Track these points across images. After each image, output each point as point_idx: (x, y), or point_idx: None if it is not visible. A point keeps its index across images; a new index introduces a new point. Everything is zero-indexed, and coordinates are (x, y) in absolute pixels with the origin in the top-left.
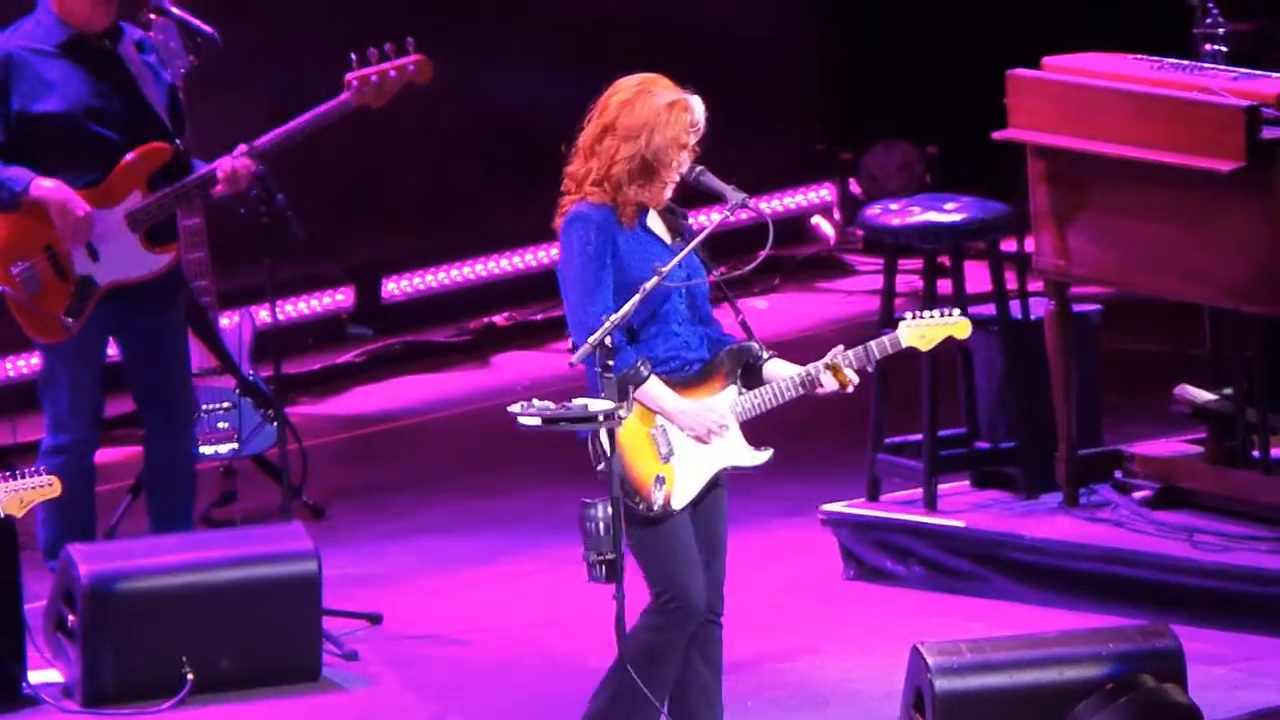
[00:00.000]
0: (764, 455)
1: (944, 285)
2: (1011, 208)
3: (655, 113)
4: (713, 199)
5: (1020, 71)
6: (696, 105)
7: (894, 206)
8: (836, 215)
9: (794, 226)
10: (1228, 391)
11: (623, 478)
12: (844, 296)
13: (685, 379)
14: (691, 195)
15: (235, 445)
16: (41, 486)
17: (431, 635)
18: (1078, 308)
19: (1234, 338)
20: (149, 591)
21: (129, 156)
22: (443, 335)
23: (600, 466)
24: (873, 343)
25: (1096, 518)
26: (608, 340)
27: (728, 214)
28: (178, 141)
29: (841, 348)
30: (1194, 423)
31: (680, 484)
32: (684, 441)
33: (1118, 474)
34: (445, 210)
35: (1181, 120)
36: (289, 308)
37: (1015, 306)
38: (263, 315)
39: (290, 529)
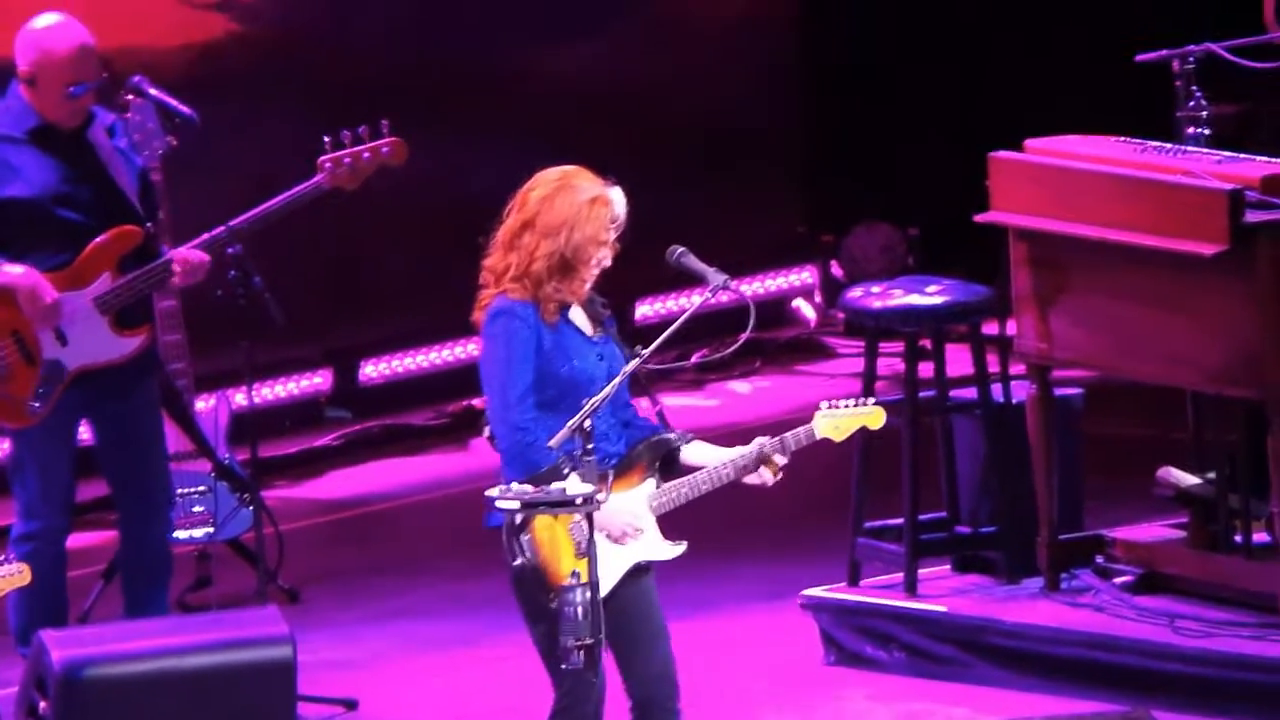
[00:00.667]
0: (679, 549)
1: (925, 368)
2: (993, 290)
3: (575, 209)
4: (694, 280)
5: (1002, 154)
6: (617, 200)
7: (875, 289)
8: (818, 298)
9: (775, 309)
10: (1210, 476)
11: (539, 572)
12: (826, 380)
13: (603, 473)
14: (673, 277)
15: (211, 529)
16: (12, 575)
17: None
18: (1060, 391)
19: (1217, 422)
20: (122, 677)
21: (99, 239)
22: (421, 418)
23: (517, 561)
24: (789, 434)
25: (1078, 603)
26: (587, 424)
27: (708, 296)
28: (149, 225)
29: (766, 439)
30: (1176, 507)
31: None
32: (600, 536)
33: (1099, 559)
34: (424, 293)
35: (1164, 203)
36: (266, 391)
37: (997, 390)
38: (239, 398)
39: (265, 613)
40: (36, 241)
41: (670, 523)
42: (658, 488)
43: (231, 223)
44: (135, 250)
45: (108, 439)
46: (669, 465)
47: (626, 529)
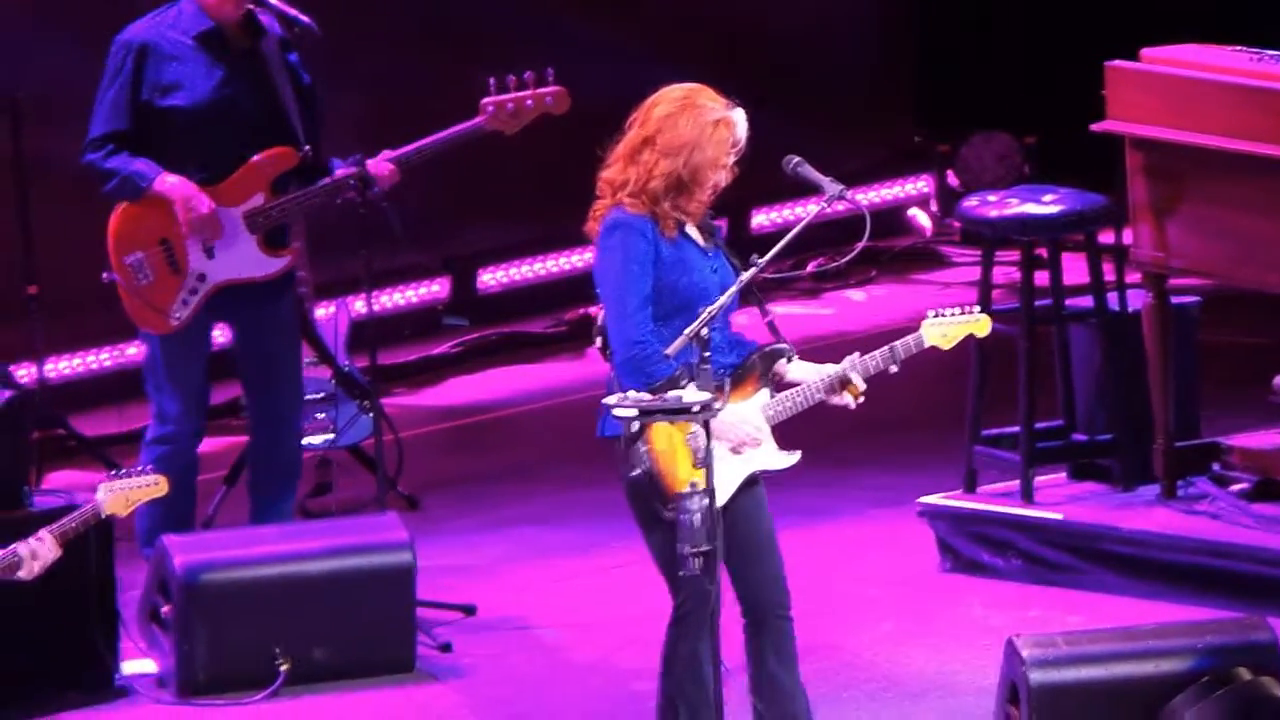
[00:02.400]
0: (793, 458)
1: (1041, 277)
2: (1110, 200)
3: (697, 131)
4: (810, 189)
5: (1119, 63)
6: (739, 122)
7: (991, 198)
8: (934, 207)
9: (891, 218)
10: None
11: (657, 482)
12: (941, 288)
13: (719, 384)
14: (789, 186)
15: (331, 436)
16: (148, 485)
17: (526, 627)
18: (1176, 300)
19: None
20: (243, 582)
21: (255, 158)
22: (539, 326)
23: (635, 472)
24: (897, 343)
25: (1194, 510)
26: (704, 332)
27: (824, 205)
28: (306, 148)
29: (857, 355)
30: None
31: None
32: (717, 447)
33: (1215, 466)
34: (541, 201)
35: None
36: (385, 299)
37: (1113, 299)
38: (358, 306)
39: (385, 520)
40: (191, 155)
41: (788, 429)
42: (771, 398)
43: (397, 151)
44: (290, 171)
45: (245, 347)
46: (778, 379)
47: (745, 438)
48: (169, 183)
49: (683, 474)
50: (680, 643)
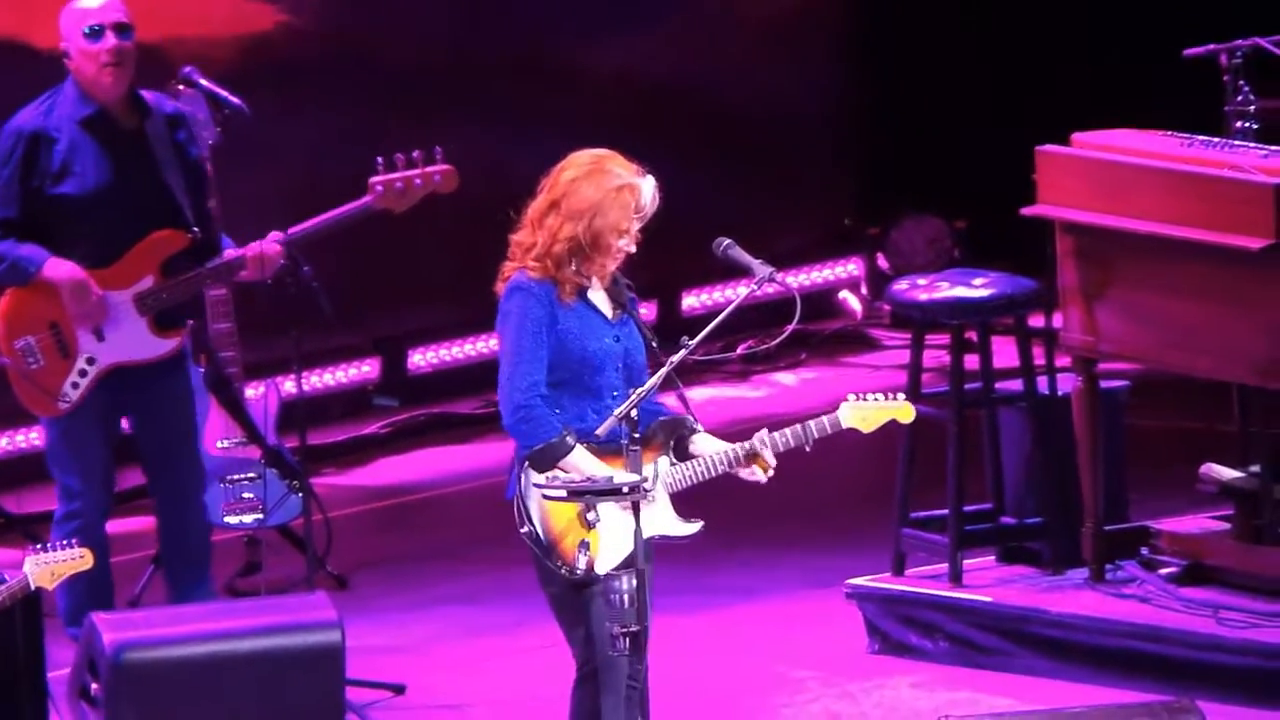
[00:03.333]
0: (693, 527)
1: (971, 361)
2: (1040, 283)
3: (601, 195)
4: (740, 272)
5: (1049, 148)
6: (646, 189)
7: (922, 282)
8: (864, 290)
9: (821, 301)
10: (1255, 469)
11: (547, 540)
12: (870, 371)
13: (617, 449)
14: (720, 268)
15: (260, 515)
16: (73, 560)
17: (455, 705)
18: (1105, 384)
19: (1262, 415)
20: (172, 661)
21: (145, 240)
22: (468, 407)
23: (524, 530)
24: (811, 422)
25: (1123, 593)
26: (633, 413)
27: (754, 287)
28: (195, 230)
29: (765, 431)
30: (1221, 500)
31: (604, 550)
32: (610, 509)
33: (1144, 550)
34: (470, 282)
35: (1211, 197)
36: (315, 379)
37: (1043, 382)
38: (288, 386)
39: (314, 599)
40: (85, 237)
41: (713, 509)
42: (671, 465)
43: (289, 231)
44: (180, 253)
45: (142, 428)
46: (680, 448)
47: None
48: (58, 268)
49: (568, 532)
50: (585, 702)
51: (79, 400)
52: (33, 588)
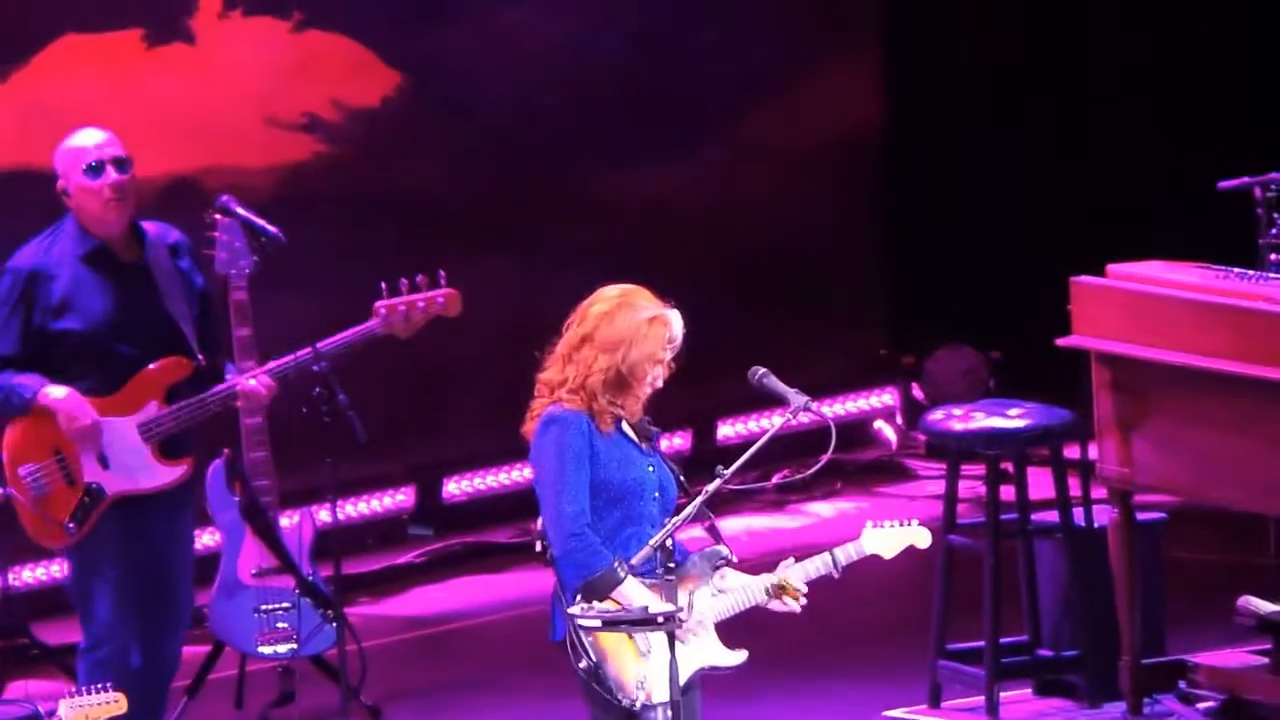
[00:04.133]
0: (739, 656)
1: (1007, 492)
2: (1075, 415)
3: (634, 327)
4: (775, 401)
5: (1085, 279)
6: (675, 321)
7: (957, 412)
8: (899, 420)
9: (856, 430)
10: None
11: (604, 674)
12: (906, 501)
13: (658, 581)
14: (755, 397)
15: (294, 645)
16: (106, 704)
17: None
18: (1142, 516)
19: None
20: None
21: (148, 368)
22: (504, 536)
23: (581, 665)
24: (837, 550)
25: None
26: (668, 543)
27: (790, 417)
28: (200, 357)
29: (791, 561)
30: (1259, 633)
31: (659, 681)
32: (662, 640)
33: (1182, 684)
34: (506, 411)
35: (1246, 329)
36: (350, 507)
37: (1079, 514)
38: (323, 515)
39: None
40: (88, 371)
41: (752, 638)
42: (713, 597)
43: (283, 359)
44: (184, 380)
45: (136, 556)
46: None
47: (691, 625)
48: (52, 395)
49: (629, 666)
50: None
51: (87, 529)
52: None
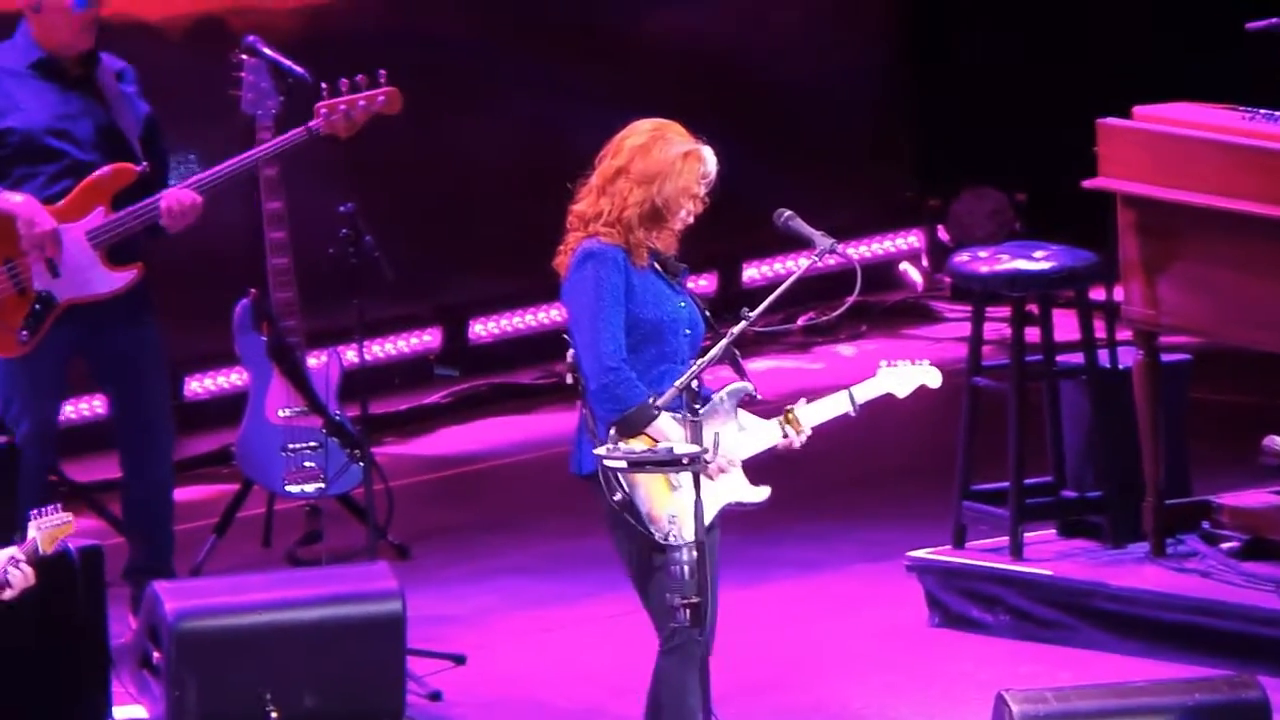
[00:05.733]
0: (764, 492)
1: (1032, 333)
2: (1101, 257)
3: (669, 161)
4: (801, 244)
5: (1111, 121)
6: (709, 157)
7: (982, 254)
8: (924, 262)
9: (882, 273)
10: None
11: (637, 508)
12: (931, 344)
13: (684, 420)
14: (780, 239)
15: (321, 484)
16: (60, 524)
17: (516, 676)
18: (1166, 357)
19: None
20: (234, 629)
21: (95, 174)
22: (529, 377)
23: (616, 498)
24: (854, 388)
25: (1184, 568)
26: (694, 384)
27: (815, 259)
28: (144, 164)
29: (803, 401)
30: None
31: (689, 516)
32: (690, 476)
33: (1205, 524)
34: (531, 252)
35: (1272, 171)
36: (376, 348)
37: (1104, 355)
38: (350, 355)
39: (375, 569)
40: (33, 172)
41: (776, 479)
42: (739, 432)
43: (225, 163)
44: (131, 188)
45: (101, 375)
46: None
47: (722, 464)
48: (10, 200)
49: (660, 500)
50: (669, 675)
51: (39, 338)
52: (41, 553)
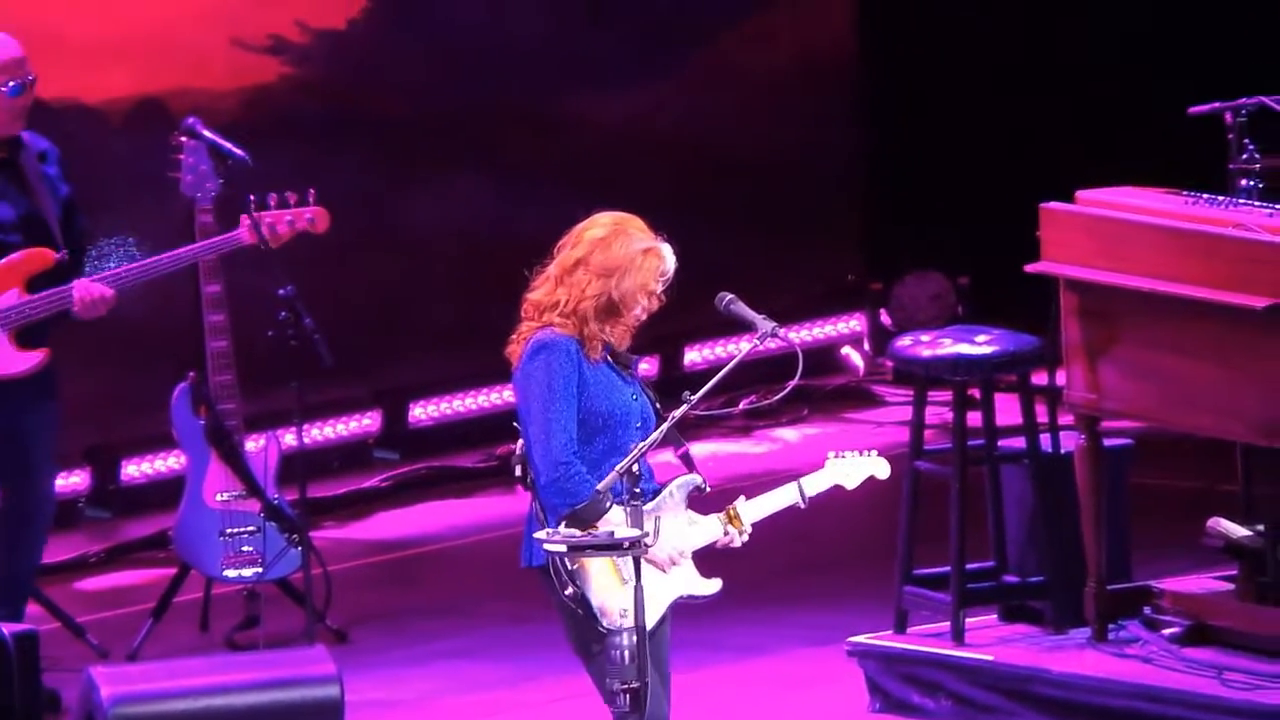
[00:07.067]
0: (715, 585)
1: (974, 418)
2: (1043, 341)
3: (629, 256)
4: (743, 327)
5: (1053, 205)
6: (668, 255)
7: (925, 338)
8: (866, 346)
9: (824, 357)
10: (1260, 528)
11: (587, 601)
12: (873, 428)
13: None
14: (722, 323)
15: (259, 569)
16: None
17: None
18: (1109, 442)
19: (1267, 474)
20: (170, 714)
21: (11, 256)
22: (469, 460)
23: (567, 592)
24: (804, 480)
25: (1125, 654)
26: (635, 468)
27: (757, 342)
28: (63, 251)
29: (743, 499)
30: (1225, 559)
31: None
32: (644, 568)
33: (1147, 610)
34: (472, 336)
35: (1216, 256)
36: (315, 431)
37: (1046, 440)
38: (289, 439)
39: (313, 653)
40: None
41: (719, 565)
42: (689, 525)
43: (143, 262)
44: (46, 272)
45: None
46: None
47: (673, 555)
48: None
49: (611, 590)
50: None
51: None
52: None
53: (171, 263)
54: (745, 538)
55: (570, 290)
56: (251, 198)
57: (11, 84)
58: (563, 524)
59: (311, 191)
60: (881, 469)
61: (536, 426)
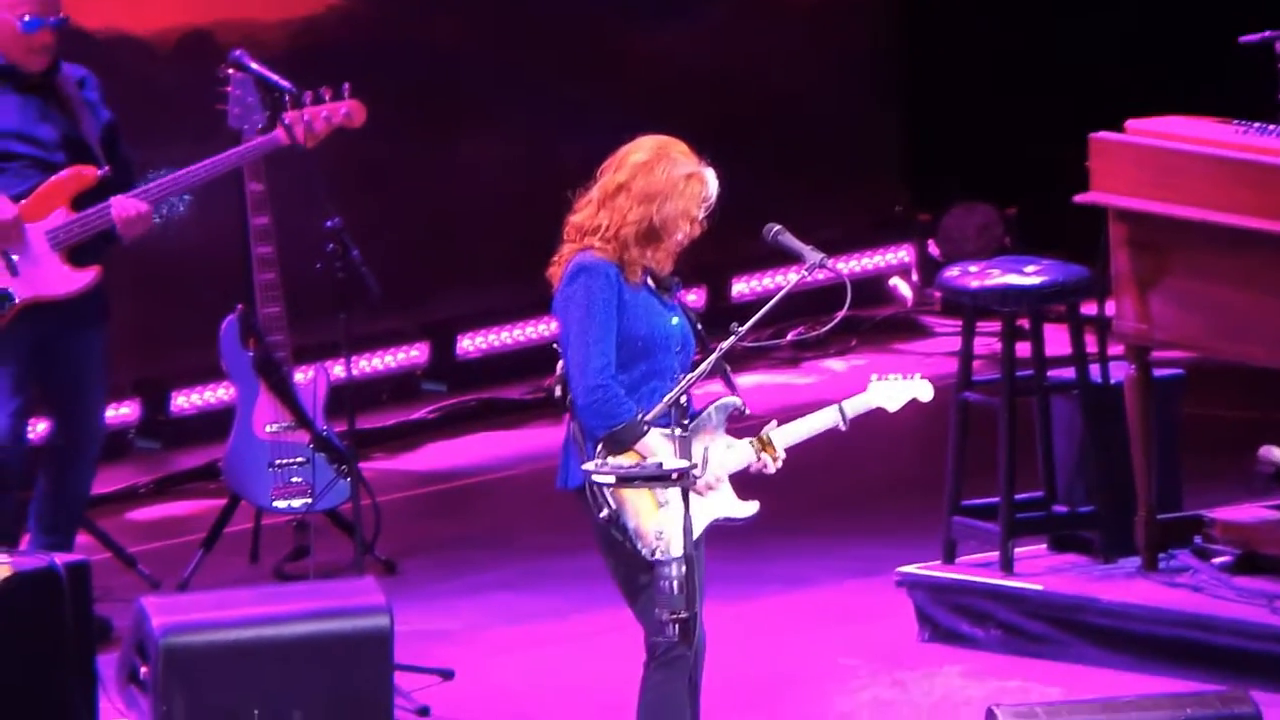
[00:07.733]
0: (751, 507)
1: (1023, 348)
2: (1092, 271)
3: (672, 181)
4: (791, 258)
5: (1103, 135)
6: (711, 180)
7: (973, 269)
8: (915, 277)
9: (872, 287)
10: None
11: (623, 524)
12: (921, 358)
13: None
14: (770, 254)
15: (309, 500)
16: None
17: (504, 691)
18: (1159, 372)
19: None
20: (222, 644)
21: (56, 175)
22: (517, 392)
23: (601, 514)
24: (844, 402)
25: (1175, 583)
26: (683, 399)
27: (805, 274)
28: (105, 167)
29: (774, 423)
30: (1276, 487)
31: (677, 533)
32: (679, 492)
33: (1197, 539)
34: (520, 267)
35: (1265, 185)
36: (364, 363)
37: (1095, 370)
38: (337, 370)
39: (363, 584)
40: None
41: (767, 496)
42: (726, 449)
43: (179, 172)
44: (93, 191)
45: (48, 373)
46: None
47: (710, 481)
48: None
49: (646, 513)
50: (658, 690)
51: None
52: None
53: (208, 171)
54: (779, 464)
55: (612, 215)
56: (287, 97)
57: (27, 18)
58: (598, 446)
59: (346, 85)
60: (924, 391)
61: (574, 349)
